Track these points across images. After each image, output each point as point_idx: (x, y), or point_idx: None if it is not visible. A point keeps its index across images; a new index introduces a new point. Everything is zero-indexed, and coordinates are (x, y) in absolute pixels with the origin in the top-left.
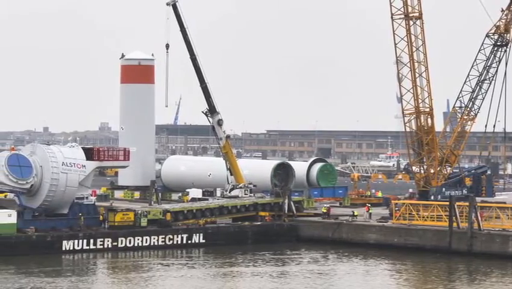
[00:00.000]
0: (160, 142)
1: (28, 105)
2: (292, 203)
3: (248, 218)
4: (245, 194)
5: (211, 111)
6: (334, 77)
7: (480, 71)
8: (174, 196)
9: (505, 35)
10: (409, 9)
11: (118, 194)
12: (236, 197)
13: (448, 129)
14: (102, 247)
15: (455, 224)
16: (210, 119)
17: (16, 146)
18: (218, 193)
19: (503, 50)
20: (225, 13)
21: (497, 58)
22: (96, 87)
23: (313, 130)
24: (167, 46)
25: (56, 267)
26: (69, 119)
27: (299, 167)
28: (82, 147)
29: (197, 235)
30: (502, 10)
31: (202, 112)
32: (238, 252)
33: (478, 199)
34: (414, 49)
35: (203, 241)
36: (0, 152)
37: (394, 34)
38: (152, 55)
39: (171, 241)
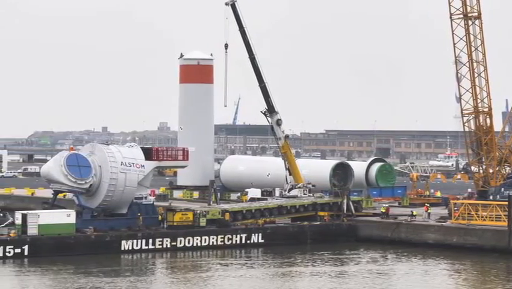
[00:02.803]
0: (219, 142)
1: (87, 105)
2: (351, 203)
3: (307, 218)
4: (304, 194)
5: (270, 110)
6: (392, 77)
7: None
8: (233, 196)
9: None
10: (468, 9)
11: (177, 194)
12: (295, 197)
13: (507, 129)
14: (160, 247)
15: None
16: (269, 119)
17: (75, 145)
18: (277, 193)
19: None
20: (283, 14)
21: None
22: (155, 86)
23: (372, 130)
24: (226, 46)
25: (115, 266)
26: (128, 119)
27: (358, 167)
28: (141, 147)
29: (256, 234)
30: None
31: (261, 112)
32: (297, 252)
33: None
34: (473, 48)
35: (262, 241)
36: (59, 151)
37: (453, 33)
38: (211, 54)
39: (230, 241)
